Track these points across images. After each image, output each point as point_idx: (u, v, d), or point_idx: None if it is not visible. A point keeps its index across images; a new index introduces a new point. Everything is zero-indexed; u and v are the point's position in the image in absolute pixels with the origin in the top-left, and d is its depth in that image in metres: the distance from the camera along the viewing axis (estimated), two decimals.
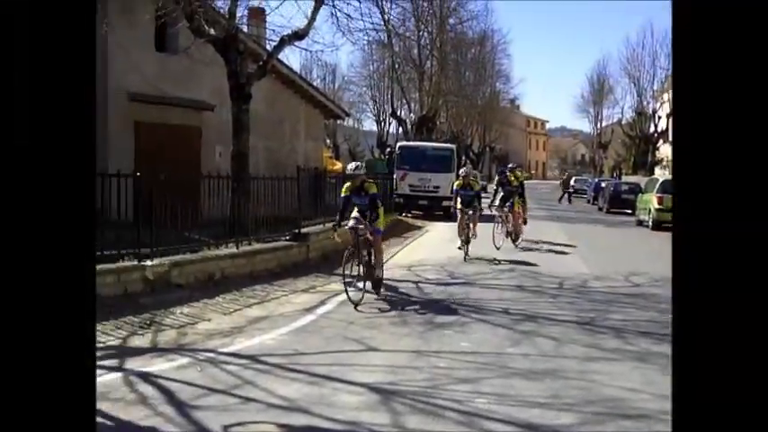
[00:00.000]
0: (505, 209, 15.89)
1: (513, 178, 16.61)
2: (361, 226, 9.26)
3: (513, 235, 16.14)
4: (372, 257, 9.55)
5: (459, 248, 13.72)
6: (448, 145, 29.53)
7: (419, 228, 21.11)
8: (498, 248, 14.77)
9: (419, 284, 10.85)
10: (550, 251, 15.88)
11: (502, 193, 16.04)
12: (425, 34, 37.04)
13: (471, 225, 13.99)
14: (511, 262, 13.45)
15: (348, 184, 9.54)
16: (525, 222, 17.61)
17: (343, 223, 9.50)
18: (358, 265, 9.27)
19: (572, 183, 46.98)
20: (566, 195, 42.87)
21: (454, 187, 14.79)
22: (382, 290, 9.72)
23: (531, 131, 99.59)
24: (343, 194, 9.60)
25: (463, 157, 46.22)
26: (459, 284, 10.92)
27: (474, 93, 48.29)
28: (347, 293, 8.90)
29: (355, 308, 8.64)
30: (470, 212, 13.96)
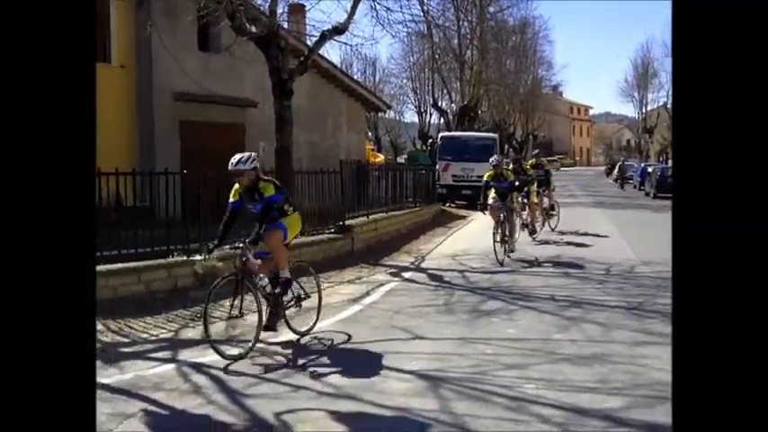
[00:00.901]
0: (520, 199, 14.36)
1: (528, 167, 15.67)
2: (249, 258, 6.47)
3: (530, 227, 14.93)
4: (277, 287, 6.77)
5: (497, 242, 11.93)
6: (490, 134, 29.46)
7: (463, 218, 21.08)
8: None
9: (464, 273, 10.87)
10: (570, 243, 14.51)
11: (516, 183, 13.75)
12: (465, 23, 36.88)
13: (507, 222, 12.35)
14: (552, 263, 11.97)
15: (236, 186, 6.64)
16: (552, 209, 16.76)
17: (225, 246, 6.64)
18: (240, 301, 6.48)
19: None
20: (620, 181, 42.79)
21: (484, 179, 12.86)
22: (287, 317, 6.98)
23: (574, 118, 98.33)
24: (231, 200, 6.68)
25: (506, 146, 45.92)
26: (505, 272, 10.90)
27: (516, 81, 47.88)
28: (213, 347, 6.09)
29: (225, 368, 5.84)
30: (504, 207, 12.36)
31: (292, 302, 6.99)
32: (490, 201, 12.48)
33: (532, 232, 15.04)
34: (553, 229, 16.46)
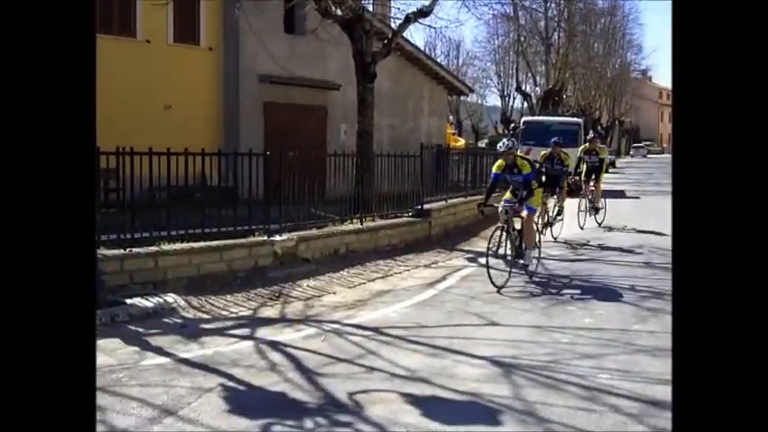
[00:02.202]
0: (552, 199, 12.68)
1: (564, 156, 13.40)
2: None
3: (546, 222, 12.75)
4: None
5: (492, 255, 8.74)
6: (575, 119, 28.89)
7: (543, 203, 20.72)
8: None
9: (542, 260, 10.69)
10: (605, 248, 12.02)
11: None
12: (553, 5, 36.23)
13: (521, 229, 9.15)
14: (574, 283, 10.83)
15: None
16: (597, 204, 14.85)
17: None
18: None
19: None
20: None
21: (493, 171, 9.39)
22: None
23: (663, 103, 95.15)
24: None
25: (591, 132, 44.92)
26: (585, 261, 10.72)
27: (603, 64, 46.76)
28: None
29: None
30: (512, 210, 8.98)
31: None
32: (501, 205, 9.15)
33: (543, 229, 12.28)
34: (600, 225, 14.75)
